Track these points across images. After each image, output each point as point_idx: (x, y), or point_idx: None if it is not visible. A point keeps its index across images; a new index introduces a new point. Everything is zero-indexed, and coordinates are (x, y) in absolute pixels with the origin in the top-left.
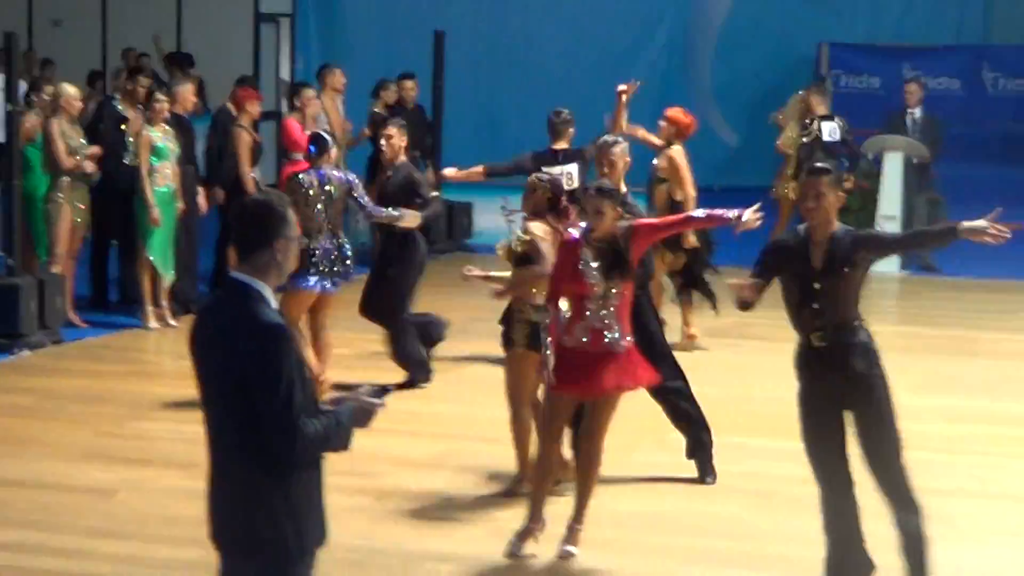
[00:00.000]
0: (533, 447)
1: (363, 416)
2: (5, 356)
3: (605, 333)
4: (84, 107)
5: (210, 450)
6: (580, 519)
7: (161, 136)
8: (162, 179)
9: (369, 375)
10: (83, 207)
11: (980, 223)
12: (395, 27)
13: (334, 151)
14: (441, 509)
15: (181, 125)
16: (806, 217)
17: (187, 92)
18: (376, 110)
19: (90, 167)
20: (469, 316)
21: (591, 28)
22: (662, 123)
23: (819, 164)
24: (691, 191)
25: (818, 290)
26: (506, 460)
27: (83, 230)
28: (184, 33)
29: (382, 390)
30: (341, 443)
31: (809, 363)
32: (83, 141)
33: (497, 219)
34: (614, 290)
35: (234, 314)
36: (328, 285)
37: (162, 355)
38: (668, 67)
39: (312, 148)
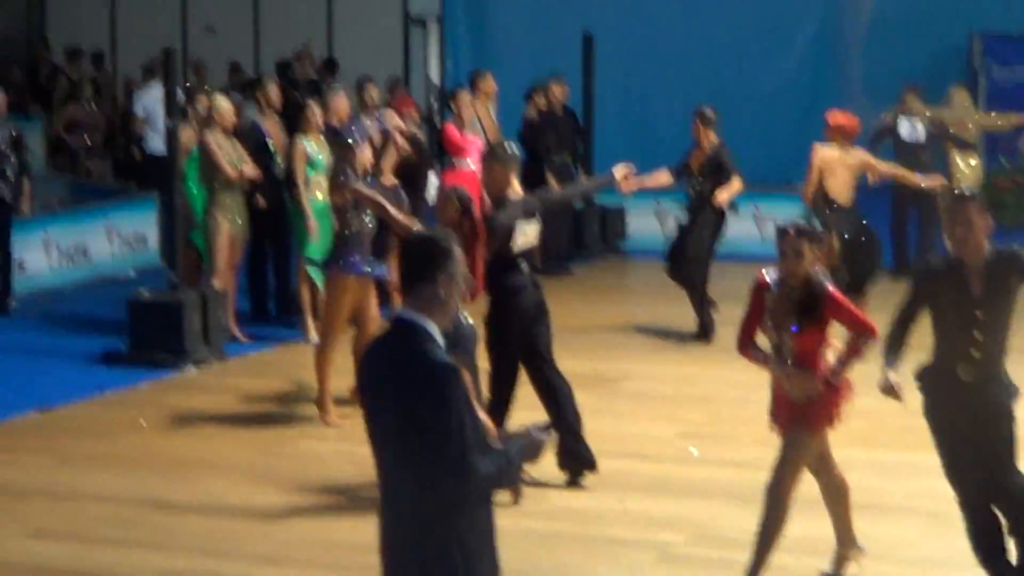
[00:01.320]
0: None
1: (532, 451)
2: (171, 372)
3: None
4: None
5: (381, 487)
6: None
7: (315, 147)
8: (317, 190)
9: None
10: (240, 220)
11: None
12: (543, 30)
13: None
14: (606, 529)
15: (335, 135)
16: (955, 245)
17: (340, 101)
18: (529, 115)
19: (249, 171)
20: (622, 327)
21: (739, 23)
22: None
23: (965, 191)
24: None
25: (980, 319)
26: (666, 479)
27: (242, 243)
28: (335, 38)
29: (550, 425)
30: (511, 480)
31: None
32: (239, 153)
33: (651, 223)
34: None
35: (403, 353)
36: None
37: None
38: (817, 60)
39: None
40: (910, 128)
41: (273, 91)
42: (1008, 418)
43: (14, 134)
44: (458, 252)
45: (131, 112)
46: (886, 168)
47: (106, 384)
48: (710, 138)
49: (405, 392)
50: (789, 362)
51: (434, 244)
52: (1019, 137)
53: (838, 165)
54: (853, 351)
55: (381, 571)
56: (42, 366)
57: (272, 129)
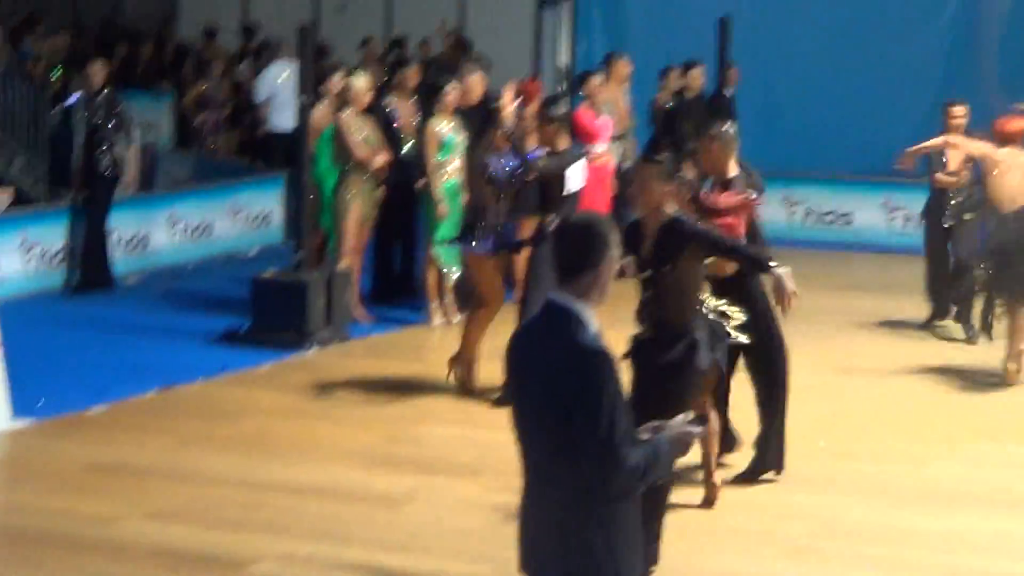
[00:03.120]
0: None
1: (681, 445)
2: (294, 352)
3: None
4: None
5: (525, 475)
6: None
7: (448, 129)
8: (449, 173)
9: None
10: (370, 202)
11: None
12: (677, 13)
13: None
14: (732, 519)
15: (468, 117)
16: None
17: (476, 82)
18: (661, 99)
19: (381, 159)
20: None
21: (875, 11)
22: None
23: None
24: None
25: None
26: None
27: (370, 225)
28: (468, 17)
29: (701, 419)
30: (660, 473)
31: None
32: (374, 134)
33: (780, 211)
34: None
35: (554, 338)
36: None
37: (447, 354)
38: (952, 52)
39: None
40: None
41: (413, 75)
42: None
43: (111, 101)
44: (616, 237)
45: (251, 93)
46: None
47: (228, 364)
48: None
49: (556, 378)
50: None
51: (596, 230)
52: None
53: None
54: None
55: (519, 555)
56: (163, 344)
57: (405, 111)
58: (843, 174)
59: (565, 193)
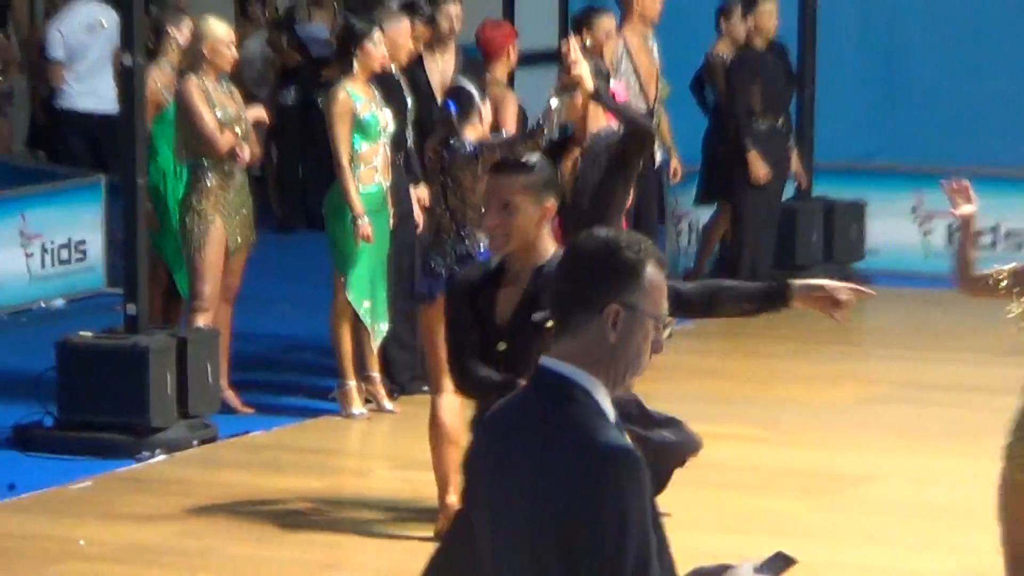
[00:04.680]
0: None
1: None
2: (125, 463)
3: None
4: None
5: None
6: None
7: (367, 101)
8: (370, 172)
9: None
10: (241, 217)
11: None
12: None
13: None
14: None
15: (388, 85)
16: None
17: (402, 33)
18: (717, 52)
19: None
20: (862, 396)
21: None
22: None
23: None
24: None
25: None
26: None
27: (244, 256)
28: None
29: (781, 560)
30: None
31: None
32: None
33: (906, 228)
34: None
35: (548, 429)
36: None
37: (374, 463)
38: None
39: (451, 106)
40: None
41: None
42: None
43: None
44: (655, 274)
45: (44, 48)
46: None
47: (22, 481)
48: None
49: (551, 494)
50: None
51: (614, 256)
52: None
53: None
54: None
55: None
56: None
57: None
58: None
59: None
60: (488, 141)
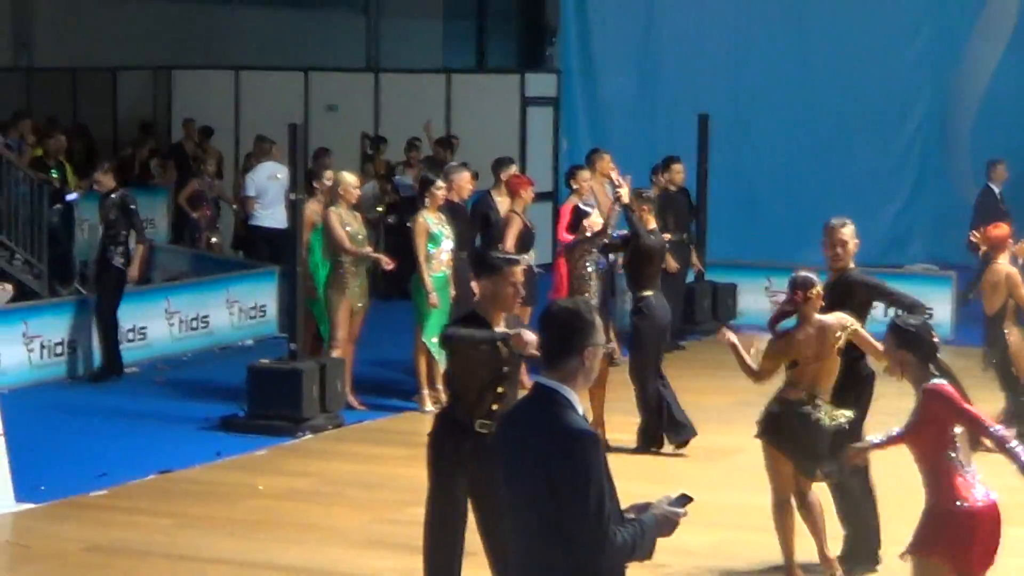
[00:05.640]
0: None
1: (667, 525)
2: (288, 439)
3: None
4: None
5: (513, 552)
6: None
7: (436, 222)
8: (438, 264)
9: None
10: (361, 292)
11: None
12: (656, 111)
13: None
14: None
15: (455, 211)
16: None
17: (464, 180)
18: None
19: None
20: (736, 400)
21: (848, 107)
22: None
23: None
24: None
25: None
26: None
27: (363, 315)
28: (452, 117)
29: (684, 499)
30: (645, 553)
31: None
32: (361, 228)
33: (761, 300)
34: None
35: (542, 420)
36: None
37: None
38: (926, 145)
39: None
40: None
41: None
42: None
43: (124, 201)
44: (599, 321)
45: (244, 189)
46: None
47: (225, 449)
48: None
49: (542, 459)
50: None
51: (579, 316)
52: None
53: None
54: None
55: None
56: (162, 430)
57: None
58: (822, 266)
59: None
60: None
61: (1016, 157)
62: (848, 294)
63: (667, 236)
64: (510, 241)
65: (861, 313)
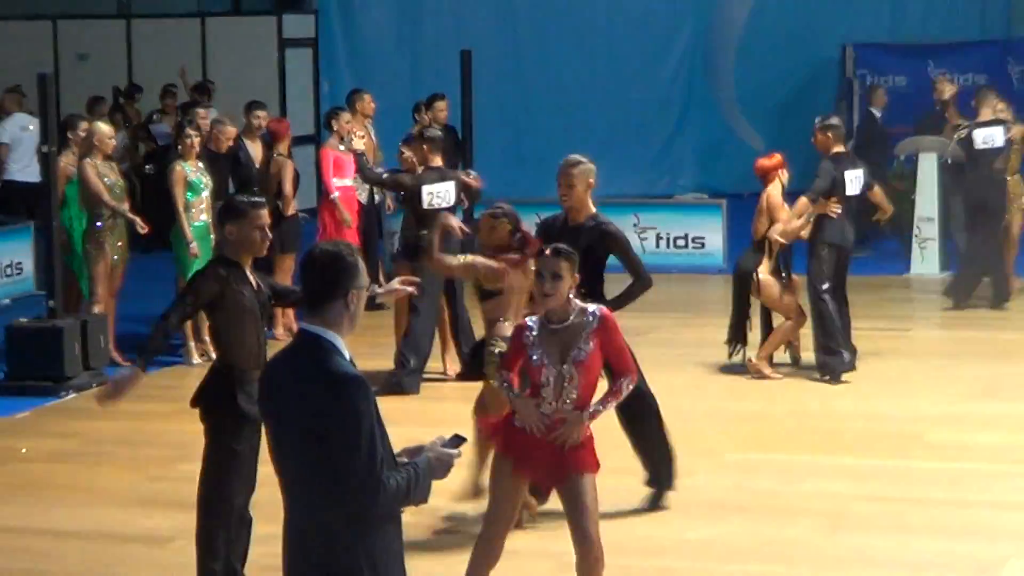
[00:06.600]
0: None
1: (441, 468)
2: (51, 399)
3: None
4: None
5: (285, 500)
6: None
7: (194, 171)
8: (197, 214)
9: None
10: (121, 245)
11: None
12: (419, 48)
13: None
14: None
15: (215, 161)
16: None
17: (225, 134)
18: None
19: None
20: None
21: (610, 40)
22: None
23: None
24: (787, 224)
25: None
26: None
27: (123, 268)
28: (208, 63)
29: (456, 439)
30: (420, 497)
31: None
32: (119, 180)
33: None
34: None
35: (308, 366)
36: None
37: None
38: (690, 76)
39: None
40: (986, 136)
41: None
42: None
43: None
44: (361, 263)
45: None
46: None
47: None
48: None
49: (311, 405)
50: (569, 400)
51: (341, 259)
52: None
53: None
54: (616, 393)
55: None
56: None
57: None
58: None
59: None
60: None
61: (776, 85)
62: (597, 240)
63: None
64: (288, 185)
65: (600, 262)
